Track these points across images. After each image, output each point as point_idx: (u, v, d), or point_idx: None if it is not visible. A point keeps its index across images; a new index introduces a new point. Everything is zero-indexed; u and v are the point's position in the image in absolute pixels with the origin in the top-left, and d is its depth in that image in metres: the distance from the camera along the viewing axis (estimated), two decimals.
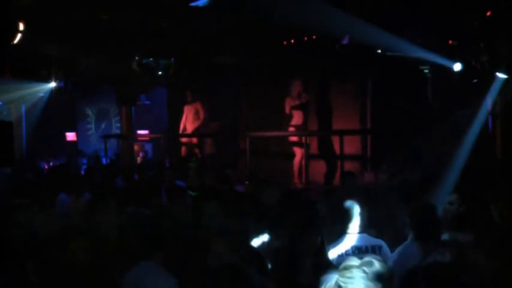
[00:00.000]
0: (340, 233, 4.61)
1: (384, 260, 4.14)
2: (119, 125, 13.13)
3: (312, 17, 7.86)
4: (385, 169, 9.27)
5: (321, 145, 10.79)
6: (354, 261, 2.64)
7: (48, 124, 14.83)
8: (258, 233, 4.34)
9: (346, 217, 4.55)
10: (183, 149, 12.70)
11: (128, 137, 12.57)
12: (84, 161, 13.57)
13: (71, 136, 16.73)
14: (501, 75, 8.01)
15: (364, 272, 2.58)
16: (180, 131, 12.54)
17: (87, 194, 6.48)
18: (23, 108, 14.70)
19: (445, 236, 4.15)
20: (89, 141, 16.55)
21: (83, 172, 9.71)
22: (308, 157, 9.63)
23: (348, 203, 4.51)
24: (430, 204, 4.44)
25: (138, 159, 13.45)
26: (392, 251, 4.33)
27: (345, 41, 9.05)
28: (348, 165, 9.25)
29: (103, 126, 16.55)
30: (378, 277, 2.62)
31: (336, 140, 9.99)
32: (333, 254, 4.27)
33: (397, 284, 3.29)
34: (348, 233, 4.45)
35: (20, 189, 6.60)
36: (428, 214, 4.20)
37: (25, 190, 6.29)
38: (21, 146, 14.11)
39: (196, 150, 12.19)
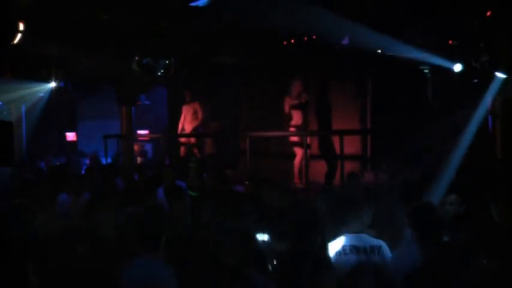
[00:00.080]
0: (339, 231, 4.61)
1: (382, 261, 4.17)
2: (119, 125, 13.11)
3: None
4: (385, 169, 9.27)
5: (321, 145, 10.80)
6: None
7: (48, 124, 14.83)
8: (258, 233, 4.34)
9: (346, 216, 4.56)
10: (182, 149, 12.70)
11: (128, 137, 12.57)
12: (85, 161, 13.57)
13: (71, 136, 16.73)
14: (500, 75, 8.00)
15: None
16: (179, 131, 12.55)
17: (87, 193, 6.49)
18: (23, 108, 14.69)
19: (445, 236, 4.15)
20: (89, 141, 16.53)
21: (83, 172, 9.71)
22: (308, 157, 9.63)
23: (349, 203, 4.52)
24: (430, 204, 4.44)
25: (138, 159, 13.44)
26: (392, 251, 4.33)
27: (345, 41, 9.06)
28: (348, 165, 9.24)
29: (103, 126, 16.53)
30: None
31: (336, 140, 9.99)
32: (330, 252, 4.28)
33: (398, 284, 3.29)
34: (348, 232, 4.45)
35: (20, 189, 6.60)
36: (428, 214, 4.19)
37: (25, 190, 6.29)
38: (21, 146, 14.09)
39: (195, 150, 12.20)
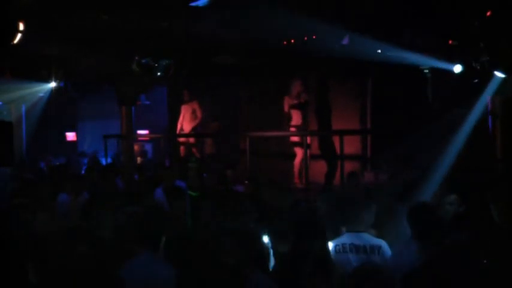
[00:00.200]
0: (339, 231, 4.62)
1: (382, 261, 4.17)
2: (119, 125, 13.11)
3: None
4: (385, 169, 9.28)
5: (321, 145, 10.79)
6: None
7: (48, 124, 14.82)
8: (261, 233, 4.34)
9: (346, 216, 4.56)
10: (182, 148, 12.71)
11: (128, 137, 12.57)
12: (85, 161, 13.58)
13: (71, 136, 16.72)
14: (499, 74, 7.99)
15: None
16: (177, 131, 12.57)
17: (86, 193, 6.49)
18: (23, 108, 14.69)
19: (445, 236, 4.15)
20: (89, 141, 16.53)
21: (83, 172, 9.71)
22: (308, 157, 9.63)
23: (349, 203, 4.52)
24: (430, 204, 4.45)
25: (138, 159, 13.43)
26: (392, 251, 4.33)
27: (345, 41, 9.05)
28: (348, 165, 9.24)
29: (103, 126, 16.53)
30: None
31: (336, 140, 10.00)
32: (330, 250, 4.29)
33: (398, 283, 3.29)
34: (348, 232, 4.45)
35: (20, 189, 6.60)
36: (428, 214, 4.20)
37: (25, 190, 6.29)
38: (21, 146, 14.10)
39: (194, 150, 12.21)
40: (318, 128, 10.93)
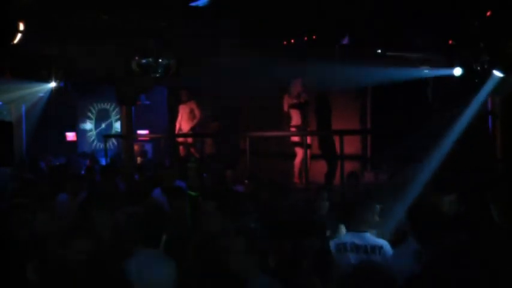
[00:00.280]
0: (339, 231, 4.61)
1: (383, 261, 4.16)
2: (119, 125, 13.11)
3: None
4: (385, 169, 9.27)
5: (321, 145, 10.79)
6: None
7: (48, 124, 14.82)
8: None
9: (346, 216, 4.56)
10: (181, 148, 12.71)
11: (128, 137, 12.57)
12: (86, 161, 13.56)
13: (71, 136, 16.71)
14: (498, 74, 7.98)
15: None
16: (176, 131, 12.58)
17: (85, 193, 6.48)
18: (23, 108, 14.69)
19: (445, 236, 4.15)
20: (89, 141, 16.53)
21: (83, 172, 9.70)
22: (309, 157, 9.63)
23: (350, 202, 4.52)
24: (430, 204, 4.44)
25: (138, 159, 13.43)
26: (392, 251, 4.33)
27: (345, 41, 9.06)
28: (348, 165, 9.24)
29: (103, 126, 16.54)
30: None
31: (336, 140, 9.99)
32: (331, 249, 4.29)
33: (397, 284, 3.28)
34: (349, 231, 4.45)
35: (20, 189, 6.60)
36: (428, 214, 4.20)
37: (25, 190, 6.29)
38: (21, 146, 14.10)
39: (192, 150, 12.21)
40: (318, 128, 10.92)
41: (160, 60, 10.25)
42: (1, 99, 13.63)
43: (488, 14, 7.61)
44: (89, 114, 16.45)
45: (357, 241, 4.33)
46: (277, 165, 10.98)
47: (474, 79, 8.49)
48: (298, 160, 10.19)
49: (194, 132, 12.41)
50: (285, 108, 10.43)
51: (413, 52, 9.11)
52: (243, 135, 10.89)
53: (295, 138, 10.31)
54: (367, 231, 4.43)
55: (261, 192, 6.15)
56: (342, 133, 9.16)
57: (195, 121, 12.44)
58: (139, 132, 14.47)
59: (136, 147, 13.50)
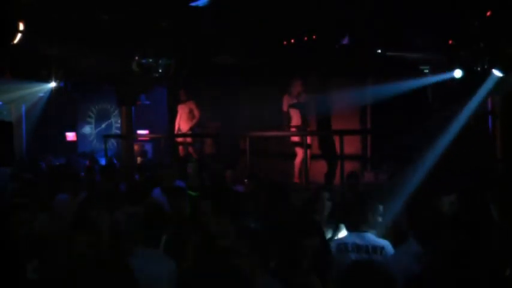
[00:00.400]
0: (340, 231, 4.61)
1: (384, 261, 4.16)
2: (119, 125, 13.12)
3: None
4: (385, 169, 9.27)
5: (321, 145, 10.79)
6: None
7: (48, 124, 14.81)
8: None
9: (346, 216, 4.55)
10: (181, 148, 12.72)
11: (128, 137, 12.58)
12: (86, 161, 13.56)
13: (71, 136, 16.71)
14: (497, 73, 7.97)
15: None
16: (175, 131, 12.59)
17: (85, 193, 6.49)
18: (23, 108, 14.69)
19: (445, 236, 4.15)
20: (89, 141, 16.53)
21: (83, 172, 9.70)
22: (309, 157, 9.63)
23: (351, 203, 4.51)
24: (430, 204, 4.44)
25: (138, 159, 13.43)
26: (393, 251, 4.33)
27: (345, 41, 9.06)
28: (348, 165, 9.24)
29: (103, 126, 16.55)
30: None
31: (336, 140, 10.00)
32: (332, 249, 4.28)
33: (397, 283, 3.28)
34: (351, 231, 4.45)
35: (20, 189, 6.60)
36: (428, 214, 4.19)
37: (25, 190, 6.29)
38: (21, 146, 14.09)
39: (190, 150, 12.21)
40: (318, 128, 10.92)
41: (160, 61, 10.26)
42: (1, 99, 13.63)
43: (488, 14, 7.60)
44: (89, 114, 16.44)
45: (359, 241, 4.32)
46: (277, 165, 10.98)
47: (474, 80, 8.48)
48: (298, 160, 10.19)
49: (193, 132, 12.42)
50: (284, 107, 10.43)
51: (413, 52, 9.11)
52: (243, 135, 10.89)
53: (295, 138, 10.31)
54: (368, 231, 4.42)
55: (261, 192, 6.14)
56: (342, 133, 9.16)
57: (194, 121, 12.45)
58: (139, 132, 14.48)
59: (136, 147, 13.51)
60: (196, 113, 12.43)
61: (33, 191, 6.19)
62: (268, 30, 9.13)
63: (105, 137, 12.75)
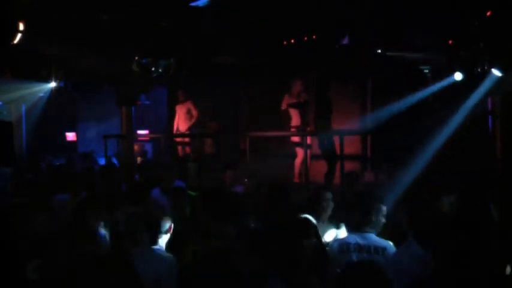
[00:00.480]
0: (342, 230, 4.60)
1: (385, 262, 4.16)
2: (119, 125, 13.11)
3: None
4: (385, 169, 9.27)
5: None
6: None
7: (48, 124, 14.81)
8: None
9: (346, 216, 4.55)
10: (179, 148, 12.73)
11: (128, 137, 12.57)
12: (86, 162, 13.54)
13: (71, 136, 16.70)
14: (496, 73, 7.96)
15: None
16: (174, 131, 12.59)
17: (84, 193, 6.49)
18: (23, 108, 14.69)
19: (445, 236, 4.14)
20: (89, 141, 16.52)
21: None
22: (309, 157, 9.63)
23: (351, 203, 4.51)
24: (430, 204, 4.44)
25: (138, 159, 13.43)
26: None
27: (345, 41, 9.06)
28: (348, 165, 9.24)
29: (103, 126, 16.54)
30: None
31: (336, 140, 9.99)
32: (334, 249, 4.28)
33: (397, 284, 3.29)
34: (353, 232, 4.44)
35: (20, 189, 6.60)
36: (428, 214, 4.19)
37: (25, 190, 6.29)
38: (21, 146, 14.09)
39: (188, 150, 12.21)
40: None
41: (160, 61, 10.25)
42: (1, 99, 13.62)
43: (488, 14, 7.60)
44: (89, 114, 16.43)
45: (361, 241, 4.32)
46: (277, 165, 10.98)
47: (475, 81, 8.48)
48: (298, 160, 10.19)
49: (192, 131, 12.43)
50: (284, 107, 10.42)
51: (413, 52, 9.11)
52: (243, 135, 10.88)
53: (295, 139, 10.31)
54: (369, 231, 4.42)
55: (261, 192, 6.14)
56: (342, 133, 9.16)
57: (193, 121, 12.46)
58: (139, 132, 14.48)
59: (136, 147, 13.51)
60: (194, 113, 12.44)
61: (33, 191, 6.19)
62: (268, 30, 9.13)
63: (105, 137, 12.73)
